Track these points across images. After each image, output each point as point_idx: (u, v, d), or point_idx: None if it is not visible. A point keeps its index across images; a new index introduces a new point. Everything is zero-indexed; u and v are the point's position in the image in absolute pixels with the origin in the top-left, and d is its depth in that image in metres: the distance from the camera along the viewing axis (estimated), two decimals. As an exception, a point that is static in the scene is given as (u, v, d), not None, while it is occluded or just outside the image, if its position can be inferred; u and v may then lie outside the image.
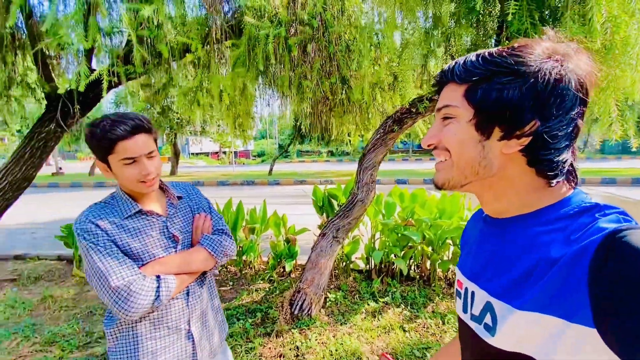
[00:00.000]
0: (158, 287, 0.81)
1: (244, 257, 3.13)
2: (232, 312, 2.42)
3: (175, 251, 0.90)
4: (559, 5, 1.61)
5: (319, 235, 2.54)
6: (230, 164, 20.83)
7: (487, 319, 0.47)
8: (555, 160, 0.43)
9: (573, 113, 0.42)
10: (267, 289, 2.81)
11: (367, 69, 2.50)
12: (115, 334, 0.86)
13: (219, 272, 3.16)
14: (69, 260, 3.52)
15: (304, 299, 2.36)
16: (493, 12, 2.12)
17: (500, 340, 0.45)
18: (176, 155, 14.24)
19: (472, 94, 0.44)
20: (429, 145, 0.49)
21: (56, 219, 6.06)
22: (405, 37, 2.46)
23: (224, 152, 26.77)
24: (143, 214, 0.87)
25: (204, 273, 0.97)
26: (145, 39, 2.55)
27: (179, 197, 0.97)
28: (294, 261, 3.04)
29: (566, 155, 0.44)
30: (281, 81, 2.57)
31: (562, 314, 0.39)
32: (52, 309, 2.58)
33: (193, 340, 0.92)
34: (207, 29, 2.77)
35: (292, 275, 3.03)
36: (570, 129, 0.43)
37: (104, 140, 0.80)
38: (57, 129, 3.07)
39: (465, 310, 0.54)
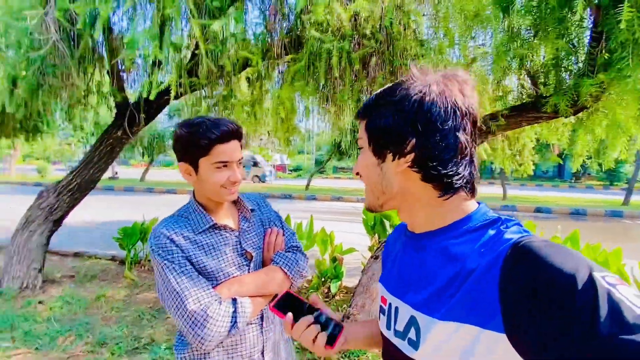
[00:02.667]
0: (234, 311, 0.73)
1: (288, 273, 3.04)
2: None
3: (249, 270, 0.82)
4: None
5: (371, 257, 2.39)
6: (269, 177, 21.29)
7: (412, 333, 0.49)
8: (443, 173, 0.47)
9: (448, 126, 0.46)
10: (312, 310, 2.67)
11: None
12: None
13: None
14: (122, 262, 3.66)
15: (354, 326, 2.20)
16: (584, 23, 1.91)
17: (423, 354, 0.46)
18: (219, 166, 14.79)
19: (368, 125, 0.52)
20: (356, 174, 0.56)
21: (111, 220, 6.44)
22: (473, 52, 2.31)
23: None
24: (217, 228, 0.81)
25: (276, 295, 0.88)
26: (210, 53, 2.63)
27: (251, 210, 0.90)
28: (340, 282, 2.89)
29: (455, 168, 0.47)
30: (341, 95, 2.51)
31: (477, 322, 0.41)
32: (104, 309, 2.65)
33: None
34: (267, 44, 2.82)
35: (337, 297, 2.87)
36: (451, 141, 0.47)
37: (203, 141, 0.76)
38: (124, 135, 3.26)
39: (389, 327, 0.54)
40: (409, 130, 0.47)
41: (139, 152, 16.23)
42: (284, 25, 2.87)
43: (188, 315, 0.69)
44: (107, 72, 3.20)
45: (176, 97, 3.10)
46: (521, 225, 0.46)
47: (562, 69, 2.03)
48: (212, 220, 0.80)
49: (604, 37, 1.65)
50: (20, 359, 1.99)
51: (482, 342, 0.40)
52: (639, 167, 10.39)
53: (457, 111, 0.47)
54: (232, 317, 0.72)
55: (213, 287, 0.74)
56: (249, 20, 2.92)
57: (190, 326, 0.69)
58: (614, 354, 0.32)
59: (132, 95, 3.29)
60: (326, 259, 2.99)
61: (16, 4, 2.37)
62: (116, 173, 16.25)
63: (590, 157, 3.03)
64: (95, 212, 6.89)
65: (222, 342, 0.75)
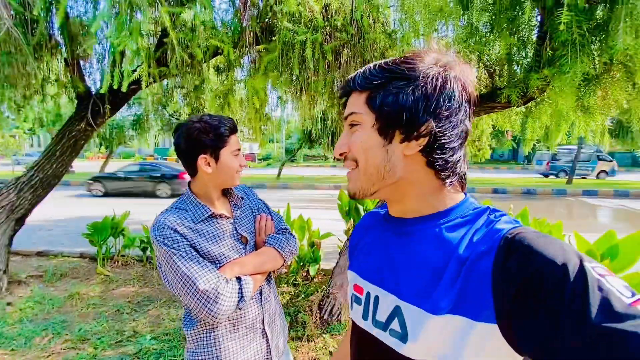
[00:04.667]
0: (240, 288, 0.83)
1: (267, 260, 3.13)
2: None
3: (245, 252, 0.91)
4: (610, 16, 1.61)
5: (347, 240, 2.54)
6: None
7: (394, 324, 0.47)
8: (449, 159, 0.46)
9: (461, 114, 0.46)
10: (292, 293, 2.80)
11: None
12: (196, 335, 0.87)
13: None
14: (92, 258, 3.54)
15: (334, 304, 2.36)
16: (532, 22, 2.12)
17: (412, 348, 0.44)
18: (186, 156, 14.29)
19: (373, 100, 0.46)
20: (340, 154, 0.51)
21: (71, 216, 6.10)
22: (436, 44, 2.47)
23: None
24: (214, 217, 0.89)
25: (270, 273, 0.98)
26: (179, 41, 2.59)
27: (241, 198, 0.99)
28: (318, 265, 3.04)
29: (459, 155, 0.47)
30: (315, 85, 2.59)
31: (469, 314, 0.41)
32: (80, 307, 2.59)
33: (267, 339, 0.93)
34: (238, 33, 2.80)
35: (316, 280, 3.02)
36: (461, 129, 0.46)
37: (224, 132, 0.87)
38: (87, 127, 3.11)
39: (365, 317, 0.52)
40: (430, 111, 0.44)
41: (95, 144, 15.20)
42: (255, 13, 2.86)
43: (201, 295, 0.77)
44: (65, 61, 3.01)
45: (139, 89, 3.01)
46: (509, 215, 0.47)
47: (514, 63, 2.26)
48: (210, 210, 0.88)
49: (548, 36, 1.87)
50: (-5, 361, 1.94)
51: (475, 334, 0.40)
52: (579, 151, 11.53)
53: (469, 99, 0.46)
54: (239, 293, 0.81)
55: (217, 269, 0.83)
56: (217, 7, 2.86)
57: (203, 304, 0.77)
58: (604, 342, 0.32)
59: (96, 85, 3.12)
60: (304, 245, 3.11)
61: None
62: (71, 167, 15.14)
63: (540, 142, 3.38)
64: (53, 209, 6.48)
65: (229, 316, 0.84)
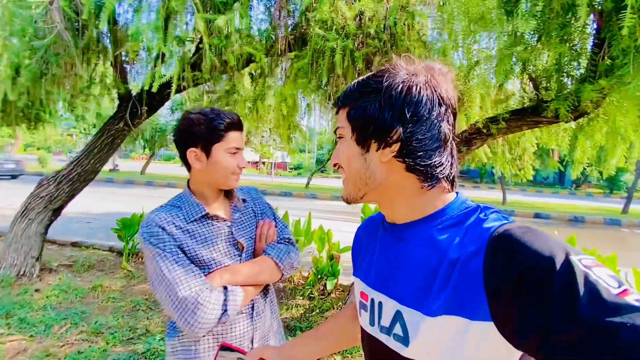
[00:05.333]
0: (225, 299, 0.74)
1: (284, 270, 3.05)
2: (271, 326, 2.32)
3: (240, 260, 0.83)
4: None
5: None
6: (268, 174, 21.33)
7: (397, 329, 0.48)
8: (427, 163, 0.47)
9: (433, 117, 0.47)
10: (307, 307, 2.68)
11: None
12: (176, 347, 0.79)
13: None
14: (119, 253, 3.67)
15: (348, 324, 2.21)
16: (586, 29, 1.91)
17: (414, 351, 0.46)
18: (220, 161, 14.83)
19: (349, 114, 0.50)
20: (334, 165, 0.54)
21: (110, 211, 6.45)
22: (475, 55, 2.32)
23: (263, 163, 27.57)
24: (209, 218, 0.82)
25: (267, 286, 0.89)
26: (214, 47, 2.65)
27: (243, 201, 0.91)
28: (336, 280, 2.90)
29: (439, 159, 0.48)
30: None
31: (465, 314, 0.41)
32: (101, 299, 2.66)
33: None
34: (271, 40, 2.83)
35: (333, 295, 2.88)
36: (435, 131, 0.47)
37: (220, 125, 0.79)
38: (125, 127, 3.27)
39: (372, 323, 0.53)
40: (395, 118, 0.46)
41: (140, 146, 16.25)
42: (289, 22, 2.88)
43: (179, 302, 0.69)
44: (111, 64, 3.21)
45: (179, 91, 3.12)
46: (500, 212, 0.47)
47: (564, 74, 2.04)
48: (204, 210, 0.81)
49: (606, 44, 1.66)
50: (15, 345, 2.00)
51: (472, 333, 0.41)
52: (638, 176, 10.38)
53: (442, 101, 0.47)
54: (223, 305, 0.73)
55: (205, 275, 0.75)
56: (254, 16, 2.92)
57: (180, 312, 0.69)
58: (595, 334, 0.33)
59: (135, 87, 3.29)
60: (323, 257, 3.00)
61: (21, -8, 2.38)
62: (117, 165, 16.27)
63: (591, 165, 3.03)
64: (94, 203, 6.91)
65: (212, 330, 0.75)
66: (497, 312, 0.39)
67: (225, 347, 0.66)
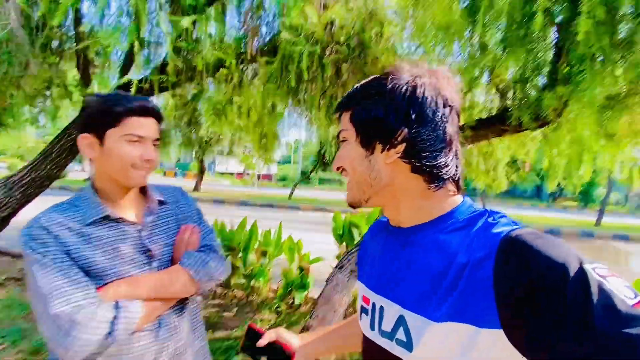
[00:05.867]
0: (115, 318, 0.62)
1: (252, 282, 2.91)
2: (232, 342, 2.18)
3: (151, 270, 0.72)
4: (637, 29, 1.40)
5: (336, 266, 2.30)
6: (253, 186, 21.06)
7: (400, 333, 0.47)
8: (433, 164, 0.47)
9: (438, 118, 0.47)
10: (274, 321, 2.54)
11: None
12: None
13: (223, 294, 2.94)
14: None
15: (313, 339, 2.09)
16: (547, 39, 1.94)
17: (418, 357, 0.45)
18: (201, 172, 14.56)
19: (353, 117, 0.50)
20: (337, 169, 0.54)
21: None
22: (446, 65, 2.33)
23: (248, 174, 27.27)
24: (111, 220, 0.71)
25: (185, 299, 0.78)
26: (182, 51, 2.57)
27: (161, 202, 0.80)
28: (306, 293, 2.78)
29: (445, 160, 0.48)
30: (311, 100, 2.47)
31: (473, 321, 0.40)
32: (48, 316, 2.45)
33: None
34: (243, 46, 2.78)
35: (303, 309, 2.76)
36: (440, 132, 0.47)
37: (116, 107, 0.68)
38: (88, 131, 3.12)
39: (372, 328, 0.52)
40: (400, 119, 0.46)
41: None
42: (264, 30, 2.84)
43: (52, 320, 0.58)
44: (76, 65, 3.08)
45: (146, 95, 3.01)
46: (506, 216, 0.46)
47: (528, 82, 2.06)
48: (105, 211, 0.70)
49: (564, 52, 1.67)
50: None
51: (480, 340, 0.40)
52: (609, 190, 10.77)
53: (446, 103, 0.48)
54: (110, 325, 0.61)
55: (100, 288, 0.65)
56: (226, 21, 2.87)
57: (53, 332, 0.58)
58: (610, 345, 0.32)
59: (101, 89, 3.16)
60: (294, 268, 2.88)
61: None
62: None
63: (565, 178, 3.07)
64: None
65: (100, 352, 0.63)
66: (507, 319, 0.38)
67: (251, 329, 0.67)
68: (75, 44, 2.72)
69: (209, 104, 2.88)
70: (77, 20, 2.70)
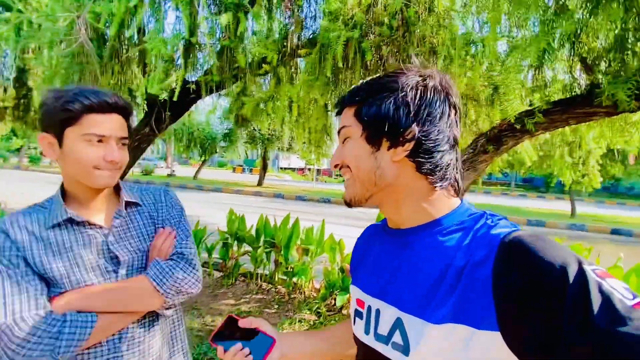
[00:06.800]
0: (58, 332, 0.57)
1: (294, 280, 2.87)
2: (267, 342, 2.14)
3: (117, 278, 0.66)
4: None
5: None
6: (312, 181, 21.46)
7: (396, 337, 0.46)
8: (438, 163, 0.47)
9: (445, 120, 0.48)
10: (312, 323, 2.46)
11: (456, 76, 2.04)
12: None
13: (267, 289, 2.95)
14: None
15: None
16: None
17: (415, 359, 0.44)
18: (264, 168, 15.30)
19: (359, 112, 0.50)
20: (335, 166, 0.53)
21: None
22: (514, 38, 1.93)
23: (309, 169, 27.88)
24: (74, 223, 0.66)
25: (153, 312, 0.70)
26: (226, 50, 2.61)
27: (133, 204, 0.73)
28: (348, 295, 2.63)
29: (449, 161, 0.48)
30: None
31: (471, 322, 0.40)
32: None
33: None
34: (284, 40, 2.71)
35: (344, 312, 2.62)
36: (447, 133, 0.48)
37: (71, 105, 0.63)
38: (150, 132, 3.40)
39: (367, 332, 0.51)
40: (411, 118, 0.47)
41: (198, 153, 17.50)
42: (304, 20, 2.75)
43: None
44: (142, 71, 3.38)
45: (199, 97, 3.17)
46: (506, 219, 0.46)
47: (627, 50, 1.58)
48: (67, 213, 0.66)
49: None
50: None
51: (477, 342, 0.40)
52: None
53: (453, 106, 0.49)
54: (55, 341, 0.56)
55: (53, 297, 0.60)
56: (265, 16, 2.85)
57: None
58: (609, 346, 0.32)
59: (158, 93, 3.42)
60: (335, 269, 2.76)
61: (50, 8, 2.59)
62: (173, 171, 17.67)
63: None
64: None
65: None
66: (505, 321, 0.38)
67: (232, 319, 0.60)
68: (139, 51, 2.97)
69: (251, 102, 2.89)
70: (141, 29, 2.95)
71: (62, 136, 0.64)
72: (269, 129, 11.69)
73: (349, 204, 0.52)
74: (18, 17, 2.39)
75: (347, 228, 3.14)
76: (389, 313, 0.48)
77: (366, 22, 2.17)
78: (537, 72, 1.80)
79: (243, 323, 0.58)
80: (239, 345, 0.56)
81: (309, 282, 2.92)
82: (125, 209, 0.72)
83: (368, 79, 0.53)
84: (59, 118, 0.64)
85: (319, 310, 2.62)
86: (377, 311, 0.50)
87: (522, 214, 9.72)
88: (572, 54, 1.83)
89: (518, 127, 1.81)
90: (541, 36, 1.60)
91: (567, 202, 11.29)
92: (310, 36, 2.73)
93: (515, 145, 1.93)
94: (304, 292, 2.92)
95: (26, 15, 2.43)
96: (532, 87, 1.89)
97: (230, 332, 0.59)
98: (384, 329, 0.48)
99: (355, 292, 0.57)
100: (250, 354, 0.55)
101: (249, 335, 0.57)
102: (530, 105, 1.95)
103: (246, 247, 3.12)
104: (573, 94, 1.80)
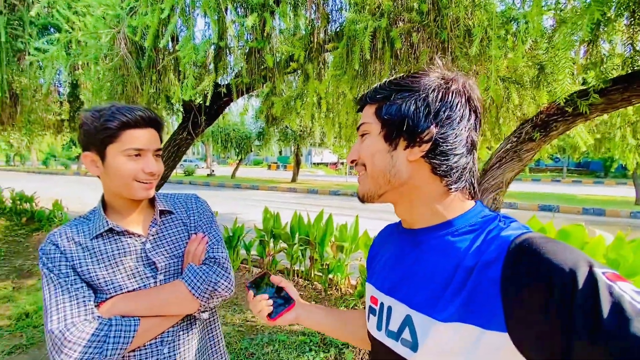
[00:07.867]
0: (105, 336, 0.60)
1: (330, 276, 2.87)
2: (306, 338, 2.17)
3: (156, 283, 0.69)
4: None
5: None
6: (345, 175, 21.37)
7: (406, 333, 0.47)
8: (454, 166, 0.48)
9: (464, 123, 0.49)
10: (350, 320, 2.44)
11: (495, 58, 1.89)
12: None
13: (304, 286, 2.98)
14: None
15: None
16: None
17: (422, 357, 0.45)
18: (297, 164, 15.49)
19: (380, 110, 0.51)
20: (352, 162, 0.54)
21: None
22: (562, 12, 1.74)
23: (342, 163, 27.77)
24: (115, 232, 0.69)
25: (192, 315, 0.73)
26: (254, 51, 2.65)
27: (167, 212, 0.77)
28: (385, 292, 2.59)
29: (464, 163, 0.49)
30: (380, 81, 2.22)
31: (479, 322, 0.41)
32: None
33: None
34: (310, 35, 2.69)
35: (382, 309, 2.58)
36: (465, 136, 0.49)
37: (110, 123, 0.67)
38: (188, 136, 3.57)
39: (379, 328, 0.53)
40: (430, 119, 0.47)
41: (235, 152, 18.18)
42: (331, 13, 2.70)
43: (49, 336, 0.60)
44: (178, 79, 3.56)
45: (230, 101, 3.25)
46: (516, 221, 0.46)
47: None
48: (108, 224, 0.69)
49: None
50: None
51: (484, 343, 0.40)
52: None
53: (474, 110, 0.49)
54: (101, 344, 0.60)
55: (100, 303, 0.64)
56: (293, 14, 2.84)
57: (50, 349, 0.59)
58: (619, 350, 0.32)
59: (192, 97, 3.56)
60: (371, 265, 2.72)
61: (93, 25, 2.78)
62: (213, 171, 18.51)
63: None
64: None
65: None
66: (513, 322, 0.38)
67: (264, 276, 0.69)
68: (173, 60, 3.12)
69: (280, 101, 2.91)
70: (175, 38, 3.08)
71: (104, 153, 0.68)
72: (299, 126, 11.80)
73: (362, 200, 0.53)
74: (66, 37, 2.60)
75: (381, 223, 3.09)
76: (399, 310, 0.49)
77: (394, 9, 2.07)
78: (590, 46, 1.61)
79: (274, 279, 0.66)
80: (265, 295, 0.65)
81: (344, 278, 2.91)
82: (160, 217, 0.75)
83: (390, 78, 0.53)
84: (100, 137, 0.67)
85: (356, 307, 2.60)
86: (389, 308, 0.51)
87: (577, 202, 8.91)
88: (632, 22, 1.61)
89: (569, 110, 1.63)
90: (594, 5, 1.43)
91: (630, 188, 10.16)
92: (337, 29, 2.69)
93: (567, 131, 1.75)
94: (340, 289, 2.91)
95: (73, 34, 2.63)
96: (585, 65, 1.69)
97: (265, 284, 0.68)
98: (394, 326, 0.50)
99: (369, 289, 0.58)
100: (272, 305, 0.64)
101: (278, 292, 0.66)
102: (584, 84, 1.76)
103: (282, 244, 3.18)
104: (635, 68, 1.59)
